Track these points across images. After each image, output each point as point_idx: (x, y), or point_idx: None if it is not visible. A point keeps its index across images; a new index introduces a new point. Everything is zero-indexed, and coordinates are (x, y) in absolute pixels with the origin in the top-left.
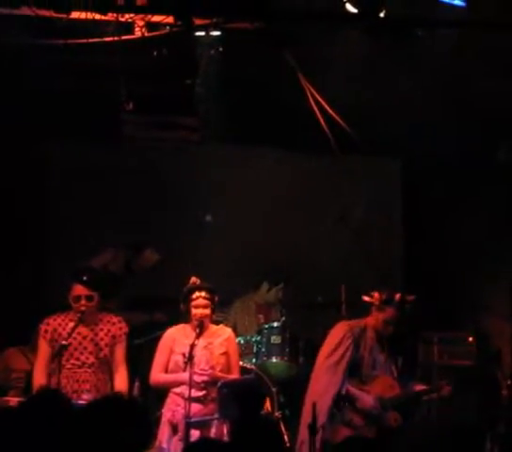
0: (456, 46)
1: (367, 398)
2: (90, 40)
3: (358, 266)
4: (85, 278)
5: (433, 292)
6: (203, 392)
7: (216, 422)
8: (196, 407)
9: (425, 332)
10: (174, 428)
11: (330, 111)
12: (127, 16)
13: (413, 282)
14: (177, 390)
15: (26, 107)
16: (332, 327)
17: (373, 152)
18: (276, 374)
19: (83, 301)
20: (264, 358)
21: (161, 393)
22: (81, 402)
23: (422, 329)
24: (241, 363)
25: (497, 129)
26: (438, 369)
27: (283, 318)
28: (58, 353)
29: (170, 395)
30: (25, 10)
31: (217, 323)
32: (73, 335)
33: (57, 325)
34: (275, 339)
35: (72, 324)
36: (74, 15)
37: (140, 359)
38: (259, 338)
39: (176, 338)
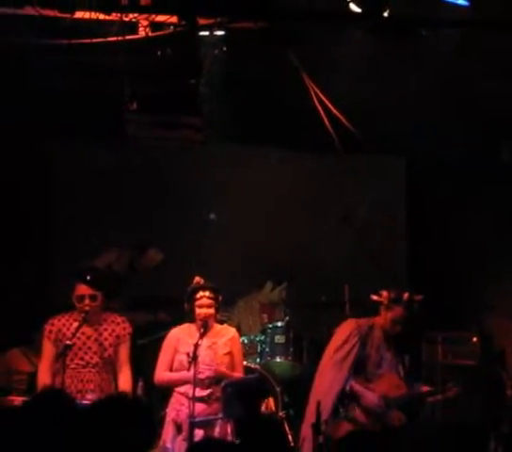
0: (459, 46)
1: (371, 396)
2: (94, 40)
3: (361, 266)
4: (88, 277)
5: (437, 292)
6: (207, 391)
7: (219, 421)
8: (200, 406)
9: (429, 332)
10: (178, 428)
11: (334, 111)
12: (131, 16)
13: (417, 282)
14: (181, 389)
15: (30, 107)
16: (336, 326)
17: (377, 151)
18: (280, 373)
19: (86, 301)
20: (268, 357)
21: (165, 392)
22: (85, 402)
23: (426, 328)
24: (245, 362)
25: (500, 129)
26: (441, 369)
27: (287, 318)
28: (63, 353)
29: (174, 394)
30: (29, 10)
31: (221, 323)
32: (78, 335)
33: (62, 325)
34: (279, 339)
35: (76, 324)
36: (78, 15)
37: (144, 359)
38: (263, 338)
39: (180, 338)
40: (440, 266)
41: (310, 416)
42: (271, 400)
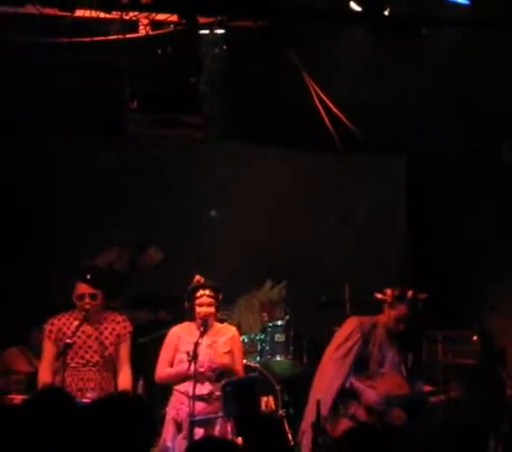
0: (460, 45)
1: (370, 393)
2: (95, 39)
3: (361, 265)
4: (88, 276)
5: (437, 291)
6: (208, 390)
7: (220, 420)
8: (200, 405)
9: (430, 331)
10: (178, 427)
11: (334, 110)
12: (131, 14)
13: (417, 281)
14: (181, 388)
15: (31, 105)
16: (336, 325)
17: (377, 150)
18: (280, 372)
19: (87, 300)
20: (268, 356)
21: (165, 391)
22: (85, 400)
23: (426, 327)
24: (245, 361)
25: (501, 128)
26: (442, 368)
27: (287, 317)
28: (63, 352)
29: (174, 393)
30: (30, 9)
31: (222, 321)
32: (78, 334)
33: (62, 324)
34: (279, 337)
35: (76, 322)
36: (79, 13)
37: (145, 357)
38: (263, 336)
39: (181, 336)
40: (441, 266)
41: (310, 412)
42: (271, 399)
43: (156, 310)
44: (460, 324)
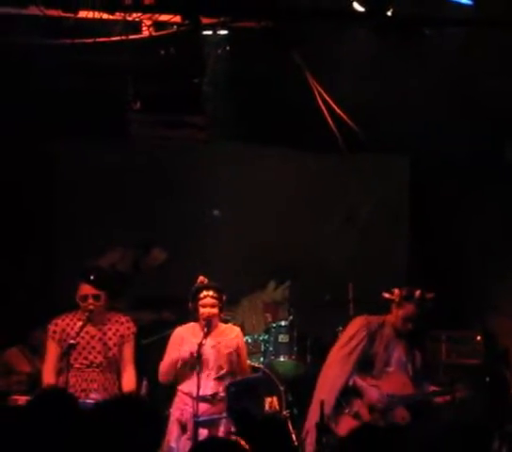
0: (463, 45)
1: (372, 392)
2: (98, 40)
3: (365, 265)
4: (92, 277)
5: (441, 291)
6: (212, 391)
7: (224, 421)
8: (204, 406)
9: (433, 331)
10: (183, 427)
11: (338, 110)
12: (134, 15)
13: (420, 281)
14: (185, 389)
15: (34, 107)
16: (340, 325)
17: (380, 151)
18: (284, 373)
19: (90, 300)
20: (272, 357)
21: (169, 392)
22: (89, 401)
23: (430, 327)
24: (249, 361)
25: (505, 128)
26: (445, 368)
27: (291, 317)
28: (66, 352)
29: (178, 393)
30: (33, 10)
31: (226, 322)
32: (82, 335)
33: (66, 325)
34: (283, 338)
35: (80, 323)
36: (82, 14)
37: (148, 358)
38: (266, 337)
39: (185, 337)
40: (444, 266)
41: (314, 411)
42: (275, 399)
43: (160, 310)
44: (464, 324)
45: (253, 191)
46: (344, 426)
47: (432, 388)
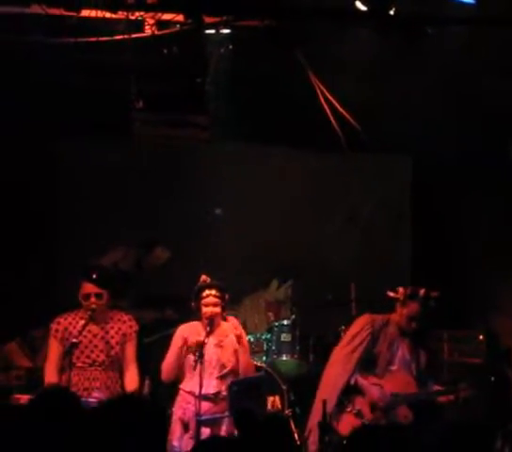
0: (465, 44)
1: (374, 390)
2: (101, 39)
3: (367, 265)
4: (94, 276)
5: (443, 290)
6: (214, 390)
7: (226, 420)
8: (206, 405)
9: (436, 330)
10: (185, 426)
11: (340, 109)
12: (137, 14)
13: (423, 281)
14: (187, 388)
15: (37, 106)
16: (342, 324)
17: (382, 150)
18: (286, 372)
19: (92, 299)
20: (275, 356)
21: (172, 391)
22: (91, 400)
23: (432, 326)
24: (253, 364)
25: (508, 127)
26: (447, 367)
27: (293, 316)
28: (69, 351)
29: (181, 392)
30: (36, 9)
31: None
32: (84, 333)
33: (68, 324)
34: (285, 337)
35: (82, 322)
36: (85, 13)
37: (151, 357)
38: (269, 336)
39: (187, 336)
40: (447, 265)
41: (316, 410)
42: (277, 398)
43: (163, 309)
44: (466, 323)
45: (256, 190)
46: (346, 424)
47: (436, 387)
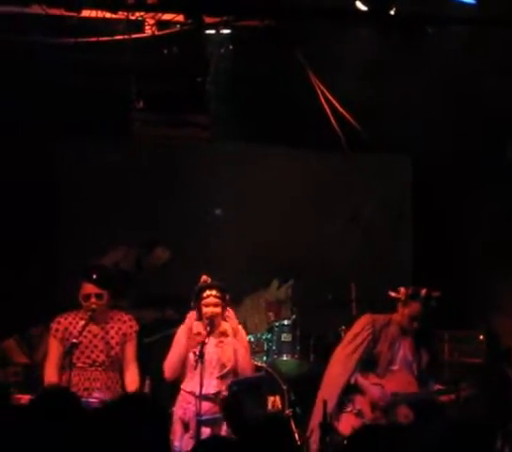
0: (465, 44)
1: (374, 390)
2: (101, 39)
3: (368, 265)
4: (94, 276)
5: (443, 290)
6: (215, 390)
7: None
8: (207, 405)
9: (436, 330)
10: (185, 426)
11: (340, 109)
12: (137, 14)
13: (423, 281)
14: (188, 388)
15: (37, 106)
16: (343, 324)
17: (383, 150)
18: (286, 372)
19: (93, 299)
20: (275, 356)
21: (172, 391)
22: (92, 400)
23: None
24: (252, 362)
25: (507, 127)
26: (448, 367)
27: (294, 316)
28: (69, 351)
29: (181, 392)
30: (36, 9)
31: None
32: (84, 334)
33: (68, 324)
34: (285, 337)
35: (82, 322)
36: (85, 13)
37: (152, 357)
38: (269, 336)
39: (189, 335)
40: (447, 265)
41: (318, 410)
42: (278, 398)
43: (163, 309)
44: (466, 323)
45: (256, 190)
46: (347, 424)
47: (437, 387)
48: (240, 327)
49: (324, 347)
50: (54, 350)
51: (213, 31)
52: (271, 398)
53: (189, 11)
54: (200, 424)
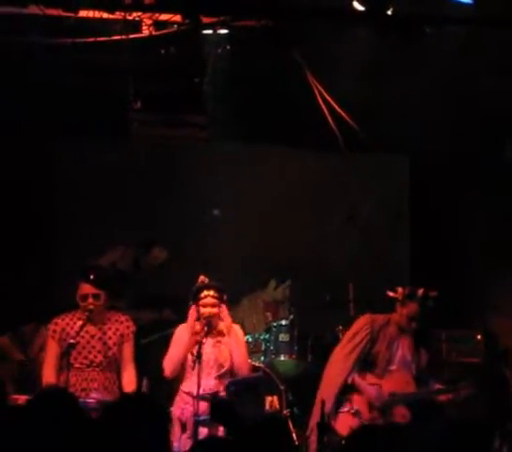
0: (463, 44)
1: (370, 390)
2: (98, 39)
3: (365, 265)
4: (92, 277)
5: (441, 290)
6: (213, 390)
7: None
8: (204, 405)
9: (434, 330)
10: (183, 426)
11: (338, 109)
12: (135, 14)
13: (421, 281)
14: (186, 388)
15: (35, 106)
16: (340, 324)
17: (380, 150)
18: (284, 372)
19: (90, 300)
20: (273, 356)
21: (170, 391)
22: (89, 400)
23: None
24: (249, 360)
25: (505, 127)
26: (446, 367)
27: (291, 316)
28: (67, 352)
29: (179, 392)
30: (34, 9)
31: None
32: (82, 334)
33: (66, 324)
34: (283, 337)
35: (80, 323)
36: (82, 14)
37: (149, 357)
38: (267, 336)
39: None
40: (445, 265)
41: (318, 409)
42: (275, 398)
43: (161, 309)
44: (464, 323)
45: (254, 190)
46: (344, 423)
47: (437, 386)
48: (236, 325)
49: (321, 347)
50: (51, 351)
51: (210, 31)
52: (269, 398)
53: (186, 11)
54: (197, 424)
